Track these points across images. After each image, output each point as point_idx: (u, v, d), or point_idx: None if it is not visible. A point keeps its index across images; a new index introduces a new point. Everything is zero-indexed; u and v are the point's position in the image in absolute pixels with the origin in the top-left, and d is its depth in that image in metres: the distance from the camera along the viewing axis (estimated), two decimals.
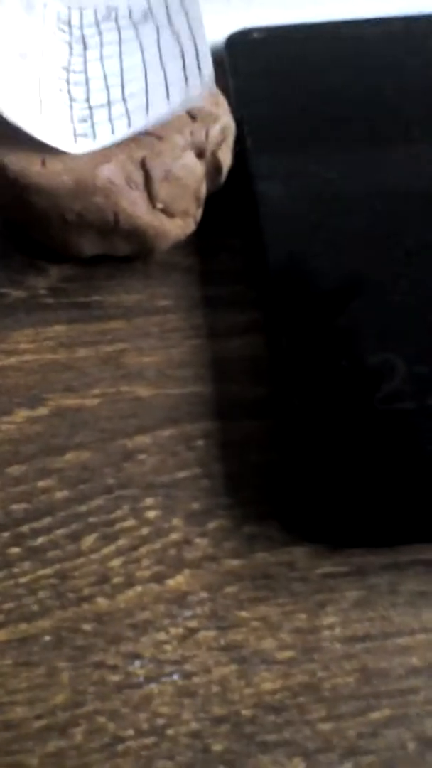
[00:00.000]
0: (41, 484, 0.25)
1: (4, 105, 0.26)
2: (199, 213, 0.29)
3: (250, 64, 0.35)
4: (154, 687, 0.21)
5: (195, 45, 0.28)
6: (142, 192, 0.27)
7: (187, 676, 0.21)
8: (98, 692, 0.21)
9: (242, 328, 0.28)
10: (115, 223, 0.27)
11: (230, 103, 0.31)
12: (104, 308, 0.29)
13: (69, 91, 0.28)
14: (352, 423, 0.24)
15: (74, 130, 0.27)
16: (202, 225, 0.29)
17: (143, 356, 0.27)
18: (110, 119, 0.27)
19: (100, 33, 0.30)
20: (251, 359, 0.27)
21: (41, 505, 0.24)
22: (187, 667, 0.21)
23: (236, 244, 0.30)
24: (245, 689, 0.21)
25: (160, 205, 0.28)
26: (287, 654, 0.21)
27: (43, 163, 0.27)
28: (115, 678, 0.21)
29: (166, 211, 0.28)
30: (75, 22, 0.31)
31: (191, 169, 0.28)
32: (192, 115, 0.28)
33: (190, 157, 0.27)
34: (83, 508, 0.24)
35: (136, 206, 0.27)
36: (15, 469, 0.25)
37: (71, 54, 0.30)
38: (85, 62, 0.29)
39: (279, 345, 0.26)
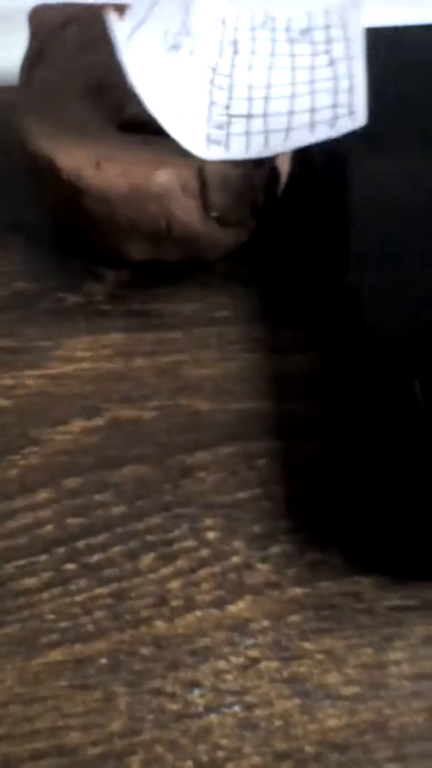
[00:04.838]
0: (98, 498, 0.24)
1: (146, 95, 0.24)
2: (253, 222, 0.28)
3: None
4: (214, 718, 0.20)
5: (351, 82, 0.27)
6: (197, 200, 0.26)
7: (248, 708, 0.20)
8: (156, 720, 0.20)
9: (303, 343, 0.27)
10: (167, 230, 0.27)
11: None
12: (162, 317, 0.28)
13: (211, 93, 0.27)
14: (422, 448, 0.23)
15: (208, 135, 0.26)
16: (262, 234, 0.28)
17: (201, 368, 0.27)
18: (247, 133, 0.26)
19: (253, 40, 0.29)
20: (312, 376, 0.26)
21: (98, 520, 0.24)
22: (249, 698, 0.21)
23: (297, 254, 0.30)
24: (309, 725, 0.20)
25: (214, 214, 0.27)
26: (352, 690, 0.21)
27: (98, 166, 0.26)
28: (174, 706, 0.21)
29: (220, 220, 0.27)
30: (230, 22, 0.29)
31: (249, 178, 0.27)
32: None
33: (248, 166, 0.27)
34: (141, 525, 0.23)
35: (189, 214, 0.27)
36: (71, 482, 0.24)
37: (220, 55, 0.28)
38: (232, 67, 0.28)
39: (346, 363, 0.25)
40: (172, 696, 0.21)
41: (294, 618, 0.22)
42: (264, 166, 0.27)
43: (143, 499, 0.24)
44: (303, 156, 0.29)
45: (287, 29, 0.29)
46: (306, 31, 0.29)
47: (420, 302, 0.26)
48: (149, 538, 0.23)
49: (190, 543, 0.23)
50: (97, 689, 0.21)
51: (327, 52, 0.28)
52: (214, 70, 0.27)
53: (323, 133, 0.26)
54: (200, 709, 0.21)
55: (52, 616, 0.22)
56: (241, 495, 0.24)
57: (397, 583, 0.22)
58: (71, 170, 0.26)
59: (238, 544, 0.23)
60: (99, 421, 0.26)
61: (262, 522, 0.23)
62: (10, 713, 0.20)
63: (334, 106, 0.26)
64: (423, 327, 0.25)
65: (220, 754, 0.20)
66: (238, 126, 0.26)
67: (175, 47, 0.26)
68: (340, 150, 0.30)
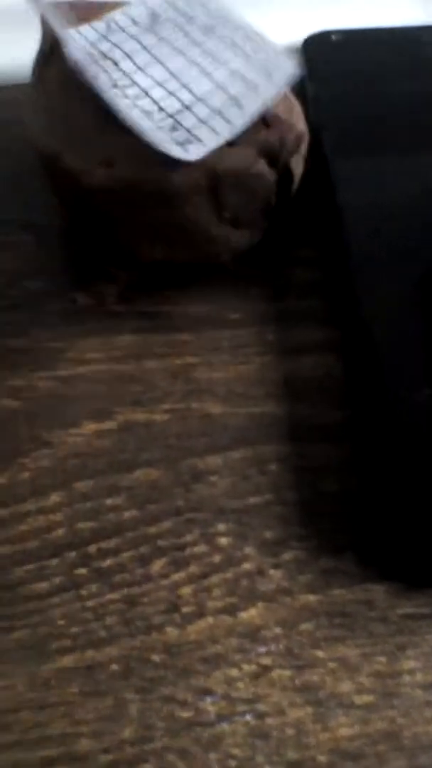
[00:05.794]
0: (109, 501, 0.24)
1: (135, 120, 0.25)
2: (266, 223, 0.28)
3: (328, 67, 0.34)
4: (225, 726, 0.20)
5: (248, 35, 0.27)
6: (209, 200, 0.26)
7: (260, 716, 0.20)
8: (168, 728, 0.20)
9: (316, 345, 0.27)
10: (180, 231, 0.27)
11: (307, 108, 0.30)
12: (174, 319, 0.28)
13: (137, 106, 0.27)
14: None
15: (176, 140, 0.25)
16: (274, 235, 0.28)
17: (213, 371, 0.27)
18: (201, 121, 0.26)
19: (116, 45, 0.29)
20: (326, 379, 0.26)
21: (109, 525, 0.23)
22: (261, 706, 0.20)
23: (309, 255, 0.29)
24: (321, 734, 0.20)
25: (227, 215, 0.27)
26: (366, 699, 0.21)
27: (109, 165, 0.26)
28: (186, 714, 0.20)
29: (233, 221, 0.27)
30: (81, 40, 0.29)
31: (262, 178, 0.27)
32: (266, 122, 0.27)
33: (261, 166, 0.26)
34: (152, 529, 0.23)
35: (202, 215, 0.26)
36: (82, 485, 0.24)
37: (106, 71, 0.28)
38: (126, 75, 0.28)
39: (361, 365, 0.25)
40: (184, 703, 0.21)
41: (306, 625, 0.22)
42: (277, 166, 0.27)
43: (155, 503, 0.24)
44: (316, 156, 0.29)
45: (134, 23, 0.28)
46: (154, 16, 0.28)
47: None
48: (160, 543, 0.23)
49: (201, 548, 0.23)
50: (108, 696, 0.21)
51: (192, 22, 0.27)
52: (116, 86, 0.27)
53: (268, 88, 0.26)
54: (212, 717, 0.20)
55: (63, 622, 0.22)
56: (253, 500, 0.24)
57: (410, 590, 0.22)
58: (83, 170, 0.26)
59: (249, 550, 0.23)
60: (110, 424, 0.25)
61: (274, 528, 0.23)
62: (21, 719, 0.20)
63: (250, 61, 0.26)
64: None
65: (232, 763, 0.20)
66: (187, 120, 0.25)
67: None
68: (353, 149, 0.30)
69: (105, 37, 0.28)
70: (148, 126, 0.25)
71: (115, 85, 0.27)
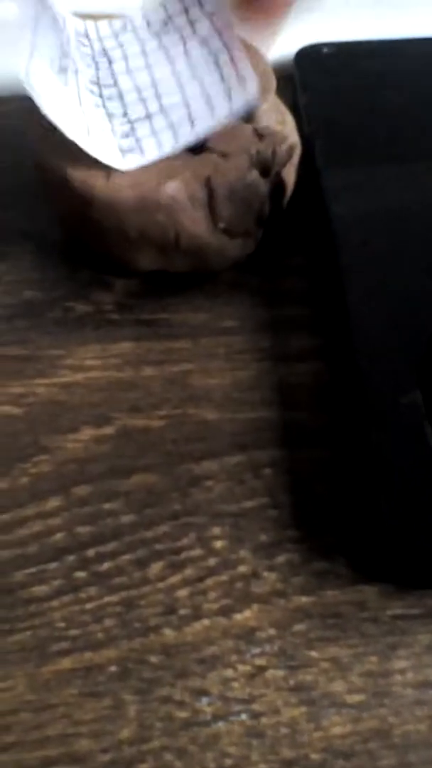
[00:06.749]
0: (107, 506, 0.24)
1: (61, 122, 0.25)
2: (260, 233, 0.28)
3: (320, 79, 0.34)
4: (221, 726, 0.21)
5: (231, 53, 0.27)
6: (204, 211, 0.27)
7: (255, 716, 0.21)
8: (165, 728, 0.21)
9: (309, 352, 0.28)
10: (175, 241, 0.27)
11: (300, 119, 0.31)
12: (170, 326, 0.28)
13: (105, 106, 0.28)
14: (425, 457, 0.23)
15: (120, 147, 0.26)
16: (268, 244, 0.29)
17: (209, 378, 0.27)
18: (153, 132, 0.27)
19: (120, 45, 0.30)
20: (319, 385, 0.27)
21: (107, 529, 0.24)
22: (256, 706, 0.21)
23: (303, 264, 0.30)
24: (314, 732, 0.21)
25: (222, 225, 0.27)
26: (358, 698, 0.21)
27: (107, 177, 0.27)
28: (183, 714, 0.21)
29: (228, 231, 0.27)
30: (92, 35, 0.30)
31: (255, 189, 0.27)
32: (259, 134, 0.27)
33: (255, 177, 0.27)
34: (149, 533, 0.24)
35: (197, 225, 0.27)
36: (81, 490, 0.25)
37: (97, 68, 0.29)
38: (113, 75, 0.29)
39: (350, 371, 0.25)
40: (181, 704, 0.21)
41: (300, 626, 0.22)
42: (270, 176, 0.27)
43: (152, 507, 0.24)
44: (308, 166, 0.30)
45: (148, 26, 0.29)
46: (166, 22, 0.29)
47: (422, 312, 0.26)
48: (157, 546, 0.23)
49: (197, 552, 0.23)
50: (106, 697, 0.21)
51: (195, 33, 0.28)
52: (97, 84, 0.28)
53: (223, 110, 0.26)
54: (208, 717, 0.21)
55: (62, 624, 0.22)
56: (248, 504, 0.24)
57: (401, 591, 0.22)
58: (81, 181, 0.27)
59: (244, 553, 0.23)
60: (108, 430, 0.26)
61: (269, 531, 0.24)
62: (21, 720, 0.21)
63: (223, 80, 0.27)
64: (425, 336, 0.25)
65: (228, 761, 0.20)
66: (143, 129, 0.26)
67: (63, 70, 0.27)
68: (345, 160, 0.31)
69: (116, 36, 0.29)
70: (84, 135, 0.26)
71: (96, 82, 0.28)
